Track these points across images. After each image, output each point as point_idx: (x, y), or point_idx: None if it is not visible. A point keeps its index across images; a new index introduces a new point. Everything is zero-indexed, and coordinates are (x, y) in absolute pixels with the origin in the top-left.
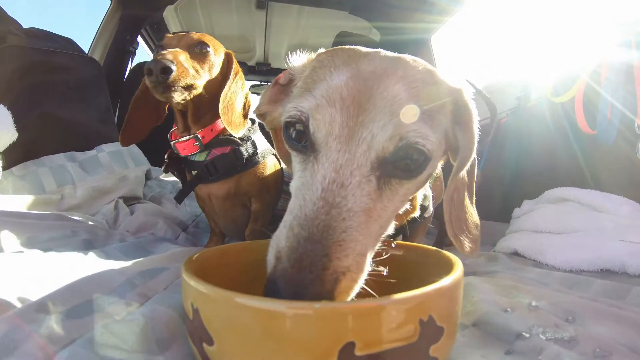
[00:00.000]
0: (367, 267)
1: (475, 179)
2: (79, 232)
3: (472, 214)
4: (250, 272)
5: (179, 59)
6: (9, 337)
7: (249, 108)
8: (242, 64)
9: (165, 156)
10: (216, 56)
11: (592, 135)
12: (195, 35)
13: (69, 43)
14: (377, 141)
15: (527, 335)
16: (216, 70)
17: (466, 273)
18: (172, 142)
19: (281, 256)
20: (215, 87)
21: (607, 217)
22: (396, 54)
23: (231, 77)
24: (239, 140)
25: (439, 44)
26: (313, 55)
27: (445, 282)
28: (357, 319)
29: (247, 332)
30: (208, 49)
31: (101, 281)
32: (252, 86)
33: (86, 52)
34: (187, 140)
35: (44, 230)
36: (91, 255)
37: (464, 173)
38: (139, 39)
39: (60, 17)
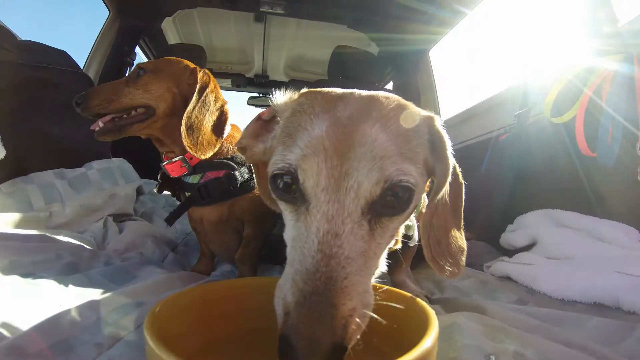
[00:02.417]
0: (371, 298)
1: (462, 203)
2: (62, 255)
3: (458, 239)
4: (220, 310)
5: (91, 90)
6: None
7: (225, 122)
8: (240, 76)
9: (158, 176)
10: (156, 81)
11: (593, 157)
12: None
13: (61, 56)
14: (364, 188)
15: None
16: (161, 93)
17: (456, 304)
18: (162, 164)
19: (290, 311)
20: (180, 110)
21: (605, 245)
22: (370, 93)
23: (195, 94)
24: (234, 165)
25: (437, 58)
26: (295, 95)
27: (414, 354)
28: None
29: None
30: (143, 74)
31: (75, 319)
32: (251, 98)
33: (80, 65)
34: (176, 161)
35: (28, 253)
36: (72, 282)
37: (442, 197)
38: (137, 50)
39: (58, 26)
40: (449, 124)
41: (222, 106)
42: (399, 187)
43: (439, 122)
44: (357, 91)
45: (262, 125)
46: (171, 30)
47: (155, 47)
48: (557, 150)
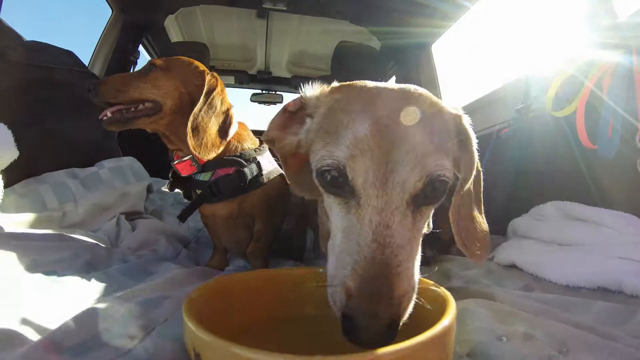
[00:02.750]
0: (417, 281)
1: (481, 189)
2: (80, 254)
3: (481, 223)
4: (246, 300)
5: (106, 78)
6: None
7: (230, 125)
8: (243, 72)
9: (170, 175)
10: (165, 79)
11: (593, 149)
12: (156, 61)
13: (68, 56)
14: (409, 184)
15: None
16: (168, 90)
17: (465, 292)
18: (172, 163)
19: (352, 294)
20: (187, 109)
21: (609, 232)
22: (402, 88)
23: (202, 96)
24: (243, 162)
25: (439, 52)
26: (326, 89)
27: (434, 331)
28: None
29: None
30: (152, 69)
31: (104, 313)
32: (254, 94)
33: (86, 64)
34: (185, 160)
35: (47, 252)
36: (93, 279)
37: (468, 187)
38: (141, 48)
39: (62, 25)
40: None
41: (228, 110)
42: (437, 181)
43: (466, 120)
44: (389, 86)
45: (289, 117)
46: (174, 28)
47: (158, 45)
48: (558, 144)
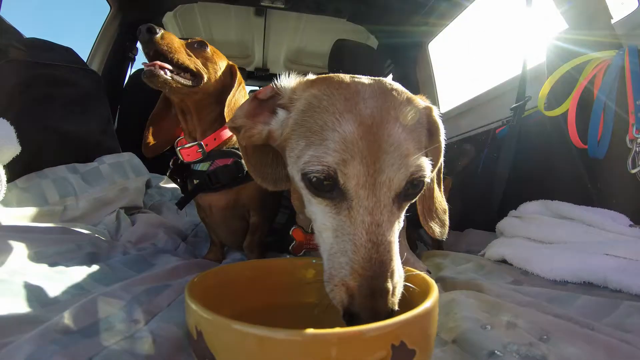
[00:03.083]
0: (402, 272)
1: (442, 168)
2: (83, 246)
3: (441, 202)
4: (243, 288)
5: (167, 33)
6: (34, 357)
7: None
8: (240, 69)
9: (170, 162)
10: (216, 59)
11: (584, 149)
12: (198, 38)
13: (69, 53)
14: (394, 183)
15: (500, 354)
16: (215, 70)
17: (455, 283)
18: (177, 149)
19: (354, 294)
20: (217, 93)
21: (595, 230)
22: (379, 84)
23: (235, 84)
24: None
25: (436, 51)
26: (302, 80)
27: (417, 311)
28: (339, 344)
29: (244, 353)
30: (206, 47)
31: (110, 300)
32: (252, 92)
33: (85, 60)
34: (191, 147)
35: (50, 245)
36: (96, 269)
37: (432, 174)
38: (139, 45)
39: (60, 21)
40: (448, 116)
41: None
42: (417, 180)
43: (436, 112)
44: (366, 81)
45: (258, 105)
46: (172, 25)
47: None
48: (553, 142)
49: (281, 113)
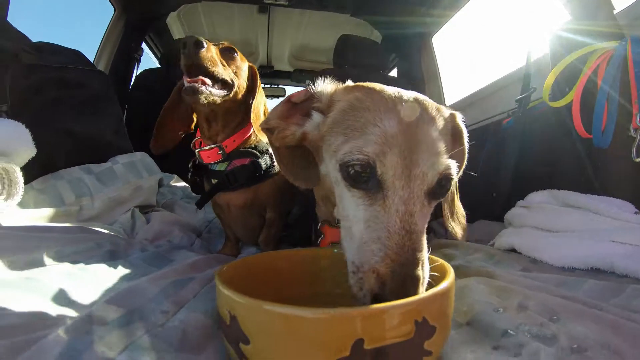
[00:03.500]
0: (428, 265)
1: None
2: (102, 244)
3: (460, 207)
4: (266, 277)
5: (210, 44)
6: (71, 348)
7: (266, 114)
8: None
9: (190, 164)
10: (242, 63)
11: (589, 139)
12: (225, 42)
13: (77, 56)
14: (428, 177)
15: (513, 333)
16: (243, 76)
17: (466, 271)
18: (196, 150)
19: (386, 280)
20: (243, 98)
21: (602, 218)
22: (411, 94)
23: (258, 88)
24: (257, 153)
25: (440, 43)
26: (340, 86)
27: (436, 289)
28: (364, 321)
29: (276, 332)
30: (235, 54)
31: (139, 292)
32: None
33: (92, 61)
34: (211, 149)
35: (69, 244)
36: (119, 266)
37: (456, 178)
38: (144, 46)
39: (64, 25)
40: (453, 109)
41: (265, 103)
42: (446, 178)
43: (459, 118)
44: (402, 91)
45: (292, 108)
46: (176, 25)
47: (161, 43)
48: (558, 133)
49: (316, 116)
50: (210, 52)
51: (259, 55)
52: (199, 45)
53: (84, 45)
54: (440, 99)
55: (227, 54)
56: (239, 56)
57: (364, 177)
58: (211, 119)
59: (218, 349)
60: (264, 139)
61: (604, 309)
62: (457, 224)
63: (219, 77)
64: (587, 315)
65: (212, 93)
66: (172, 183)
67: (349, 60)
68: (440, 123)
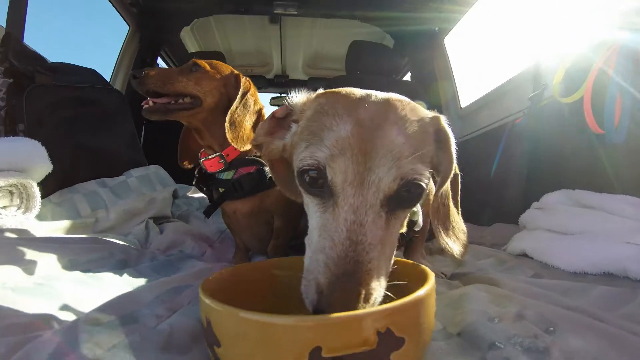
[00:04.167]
0: (385, 283)
1: (459, 192)
2: (114, 254)
3: (459, 223)
4: (256, 286)
5: (149, 70)
6: (64, 343)
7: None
8: (260, 77)
9: (195, 172)
10: (214, 75)
11: (603, 135)
12: (193, 60)
13: (92, 75)
14: (384, 184)
15: (502, 345)
16: (210, 88)
17: (471, 277)
18: (200, 160)
19: (323, 290)
20: (223, 107)
21: (615, 218)
22: (385, 96)
23: (238, 96)
24: (263, 161)
25: (451, 44)
26: (312, 95)
27: (405, 300)
28: (322, 330)
29: (244, 337)
30: (199, 67)
31: (136, 298)
32: (273, 98)
33: (108, 79)
34: (213, 158)
35: (83, 253)
36: (126, 274)
37: (446, 188)
38: (159, 61)
39: (81, 44)
40: (467, 112)
41: (260, 109)
42: (412, 184)
43: (444, 121)
44: (373, 93)
45: (277, 123)
46: (190, 39)
47: (176, 57)
48: (572, 130)
49: (294, 127)
50: (151, 78)
51: (274, 66)
52: (135, 76)
53: (104, 63)
54: (455, 101)
55: (193, 70)
56: (204, 68)
57: (320, 183)
58: (198, 130)
59: (203, 352)
60: (239, 147)
61: (605, 320)
62: (456, 241)
63: (175, 92)
64: (587, 326)
65: (167, 108)
66: (189, 194)
67: (361, 66)
68: (412, 126)
